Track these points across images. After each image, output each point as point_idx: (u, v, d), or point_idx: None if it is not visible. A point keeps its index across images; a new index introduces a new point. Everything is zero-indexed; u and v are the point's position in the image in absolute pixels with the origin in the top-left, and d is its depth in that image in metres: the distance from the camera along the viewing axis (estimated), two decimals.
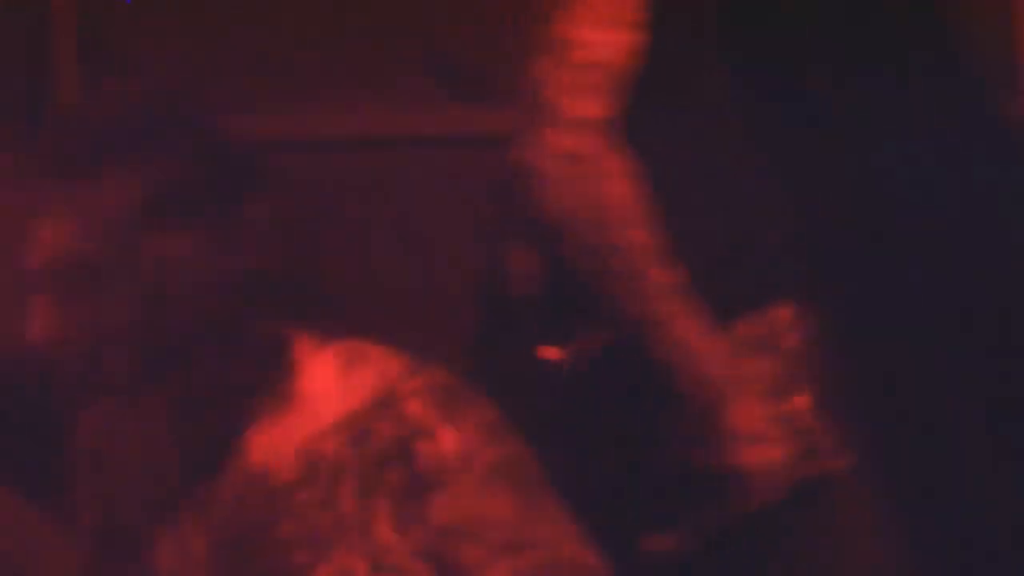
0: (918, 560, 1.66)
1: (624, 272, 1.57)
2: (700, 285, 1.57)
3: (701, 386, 1.57)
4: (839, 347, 1.66)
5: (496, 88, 2.80)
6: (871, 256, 1.70)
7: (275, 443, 1.42)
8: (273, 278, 1.44)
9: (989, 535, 1.70)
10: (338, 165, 2.86)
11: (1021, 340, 1.68)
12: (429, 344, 1.69)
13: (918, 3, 1.84)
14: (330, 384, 1.43)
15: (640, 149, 1.59)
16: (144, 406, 1.44)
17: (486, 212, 1.81)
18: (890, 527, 1.68)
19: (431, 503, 1.38)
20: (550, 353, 1.65)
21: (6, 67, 2.83)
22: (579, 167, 1.57)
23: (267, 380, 1.42)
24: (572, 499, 1.47)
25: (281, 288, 1.43)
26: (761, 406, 1.59)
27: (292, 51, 2.92)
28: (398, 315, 2.74)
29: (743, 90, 1.66)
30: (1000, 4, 2.90)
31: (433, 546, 1.39)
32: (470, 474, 1.40)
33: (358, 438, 1.40)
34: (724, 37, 1.67)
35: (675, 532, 1.60)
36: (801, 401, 1.63)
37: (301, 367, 1.43)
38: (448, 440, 1.38)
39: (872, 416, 1.68)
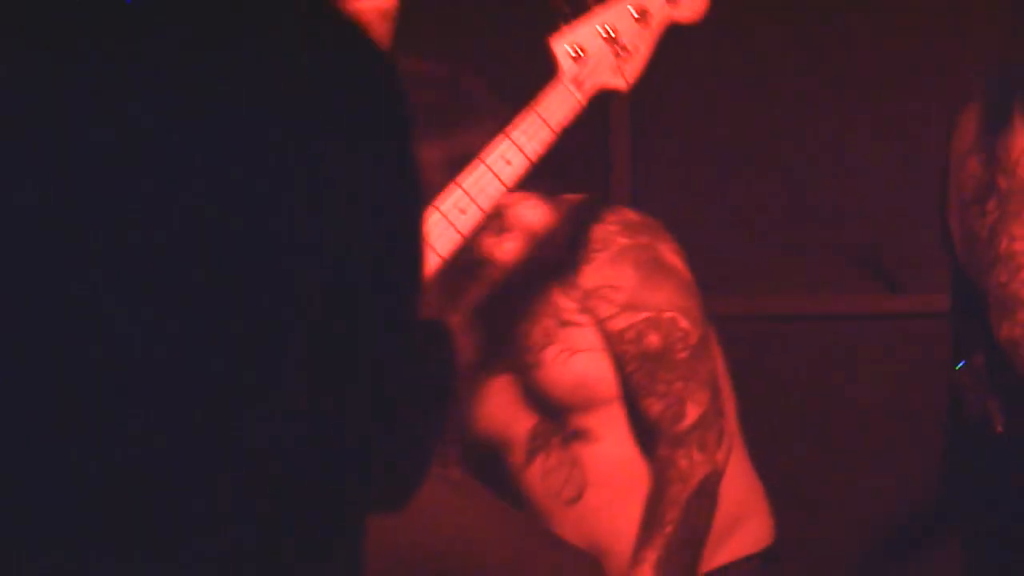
0: None
1: None
2: None
3: None
4: None
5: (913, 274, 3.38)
6: None
7: None
8: None
9: None
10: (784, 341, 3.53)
11: None
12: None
13: None
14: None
15: None
16: None
17: (962, 374, 2.36)
18: None
19: (582, 273, 2.05)
20: None
21: None
22: None
23: None
24: None
25: None
26: None
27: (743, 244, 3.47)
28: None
29: None
30: None
31: (583, 303, 2.05)
32: (607, 252, 2.06)
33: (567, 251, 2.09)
34: None
35: None
36: None
37: None
38: (596, 229, 2.05)
39: None
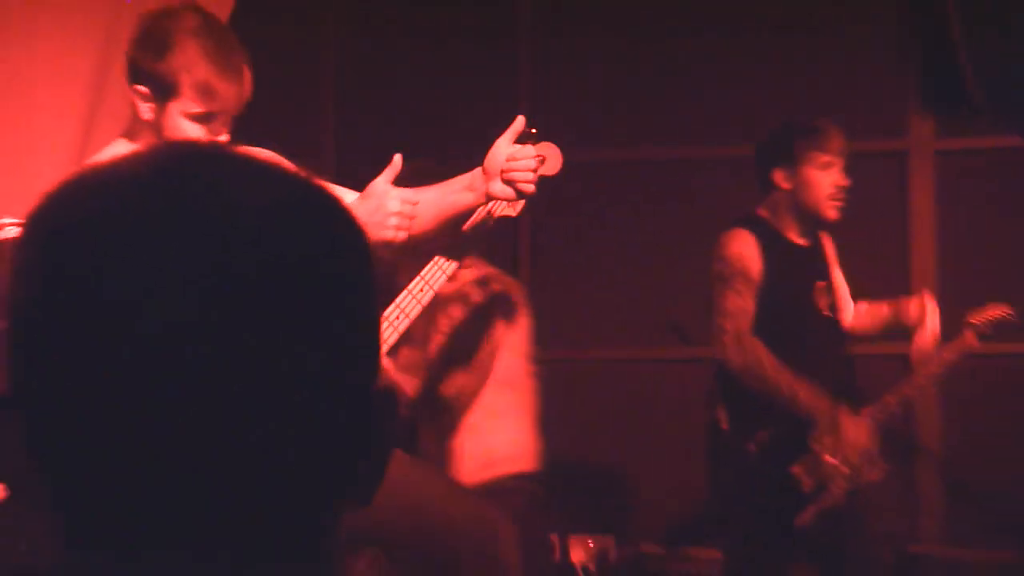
0: None
1: (775, 389, 3.15)
2: None
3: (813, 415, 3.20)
4: None
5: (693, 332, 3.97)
6: None
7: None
8: None
9: None
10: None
11: None
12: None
13: None
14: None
15: None
16: None
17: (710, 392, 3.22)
18: None
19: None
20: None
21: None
22: (749, 361, 3.07)
23: None
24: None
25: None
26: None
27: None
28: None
29: None
30: None
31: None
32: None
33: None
34: None
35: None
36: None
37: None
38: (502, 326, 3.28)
39: None
